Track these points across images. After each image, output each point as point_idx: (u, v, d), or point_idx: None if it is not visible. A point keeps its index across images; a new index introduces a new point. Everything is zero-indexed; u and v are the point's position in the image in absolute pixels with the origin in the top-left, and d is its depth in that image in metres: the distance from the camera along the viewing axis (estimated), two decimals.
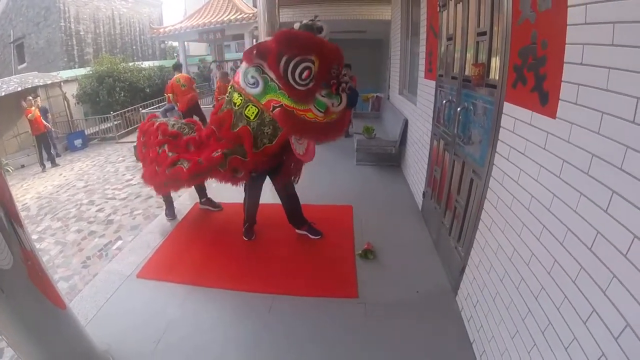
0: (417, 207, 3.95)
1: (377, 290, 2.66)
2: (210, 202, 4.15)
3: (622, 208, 1.04)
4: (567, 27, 1.29)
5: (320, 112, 2.62)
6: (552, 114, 1.40)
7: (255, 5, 8.60)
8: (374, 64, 10.52)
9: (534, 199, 1.55)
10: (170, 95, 7.56)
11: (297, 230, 3.47)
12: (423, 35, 3.85)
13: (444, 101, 2.91)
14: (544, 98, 1.46)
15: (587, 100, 1.21)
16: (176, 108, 8.74)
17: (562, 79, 1.34)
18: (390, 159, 5.38)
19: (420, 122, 4.06)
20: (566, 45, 1.31)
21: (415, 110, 4.34)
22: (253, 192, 3.36)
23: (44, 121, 9.47)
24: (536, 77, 1.52)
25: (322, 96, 2.61)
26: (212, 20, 12.54)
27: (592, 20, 1.18)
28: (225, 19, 12.32)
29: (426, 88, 3.73)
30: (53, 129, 10.47)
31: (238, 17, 12.14)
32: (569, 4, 1.28)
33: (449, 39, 2.85)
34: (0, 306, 1.60)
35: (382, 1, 7.26)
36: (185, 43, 14.65)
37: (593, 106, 1.18)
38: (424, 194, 3.71)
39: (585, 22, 1.21)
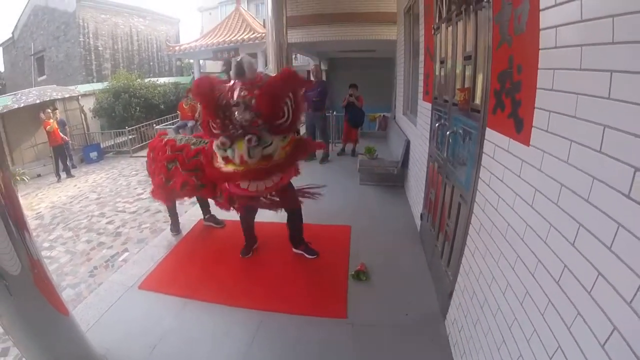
0: (416, 228, 3.89)
1: (366, 312, 2.63)
2: (213, 218, 4.20)
3: (588, 242, 1.00)
4: (540, 51, 1.27)
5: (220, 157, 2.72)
6: (527, 142, 1.37)
7: (265, 26, 8.79)
8: (384, 83, 10.57)
9: (509, 227, 1.49)
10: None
11: (294, 250, 3.47)
12: (422, 57, 3.86)
13: (437, 124, 2.88)
14: (519, 125, 1.43)
15: (558, 127, 1.17)
16: (189, 124, 8.95)
17: (535, 105, 1.31)
18: (393, 179, 5.33)
19: (419, 144, 4.03)
20: (538, 70, 1.28)
21: (415, 132, 4.32)
22: (243, 217, 3.43)
23: (61, 133, 9.71)
24: (512, 103, 1.49)
25: (215, 145, 2.71)
26: (227, 40, 12.83)
27: (562, 44, 1.15)
28: (239, 38, 12.61)
29: (424, 110, 3.71)
30: (70, 141, 10.71)
31: (251, 36, 12.42)
32: (540, 27, 1.25)
33: (442, 62, 2.84)
34: (8, 309, 1.77)
35: (390, 22, 7.34)
36: (201, 61, 15.00)
37: (563, 134, 1.14)
38: (421, 215, 3.65)
39: (555, 46, 1.18)
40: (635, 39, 0.83)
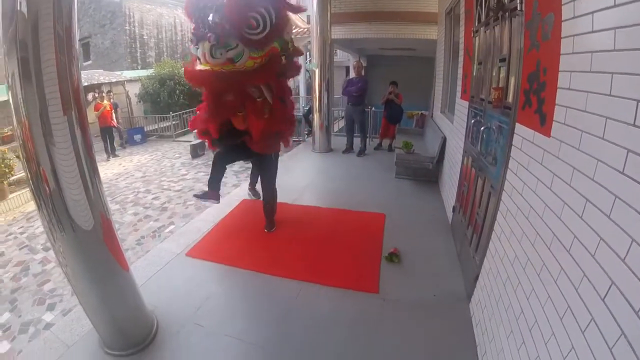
0: (448, 221, 4.07)
1: (396, 290, 2.86)
2: (253, 190, 4.56)
3: (594, 214, 1.21)
4: (561, 56, 1.48)
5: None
6: (548, 133, 1.58)
7: (309, 22, 9.10)
8: (423, 82, 10.63)
9: (531, 208, 1.71)
10: None
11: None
12: (461, 58, 4.03)
13: (473, 121, 3.07)
14: (543, 119, 1.64)
15: (572, 120, 1.39)
16: None
17: (556, 102, 1.52)
18: (427, 174, 5.50)
19: (455, 140, 4.21)
20: (559, 72, 1.49)
21: (452, 129, 4.49)
22: (216, 154, 3.67)
23: (113, 116, 10.32)
24: (538, 101, 1.70)
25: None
26: None
27: (577, 50, 1.36)
28: None
29: (461, 108, 3.89)
30: (119, 126, 11.15)
31: (294, 31, 12.76)
32: (562, 35, 1.47)
33: (479, 62, 3.02)
34: (77, 260, 2.00)
35: (430, 21, 7.45)
36: None
37: (576, 125, 1.36)
38: (453, 208, 3.84)
39: (572, 52, 1.39)
40: (632, 47, 1.05)
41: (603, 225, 1.14)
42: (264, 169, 3.81)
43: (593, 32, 1.23)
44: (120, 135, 11.28)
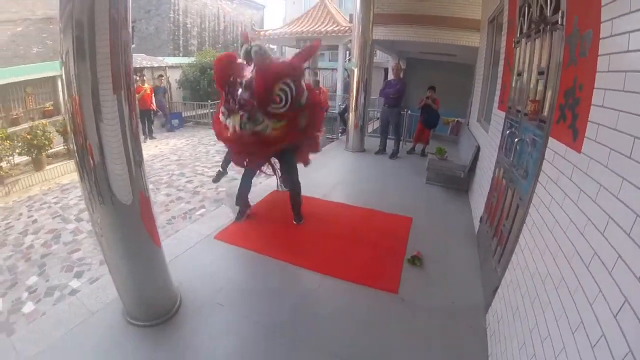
0: (474, 231, 4.03)
1: (416, 292, 2.90)
2: (284, 182, 4.64)
3: (615, 231, 1.22)
4: (597, 73, 1.49)
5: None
6: (579, 149, 1.59)
7: (351, 20, 9.15)
8: (461, 89, 10.45)
9: (556, 222, 1.71)
10: None
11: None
12: (501, 67, 3.98)
13: (508, 132, 3.05)
14: (575, 134, 1.65)
15: (603, 138, 1.40)
16: None
17: (589, 119, 1.52)
18: (458, 182, 5.44)
19: (488, 150, 4.16)
20: (594, 90, 1.50)
21: (486, 138, 4.44)
22: (242, 179, 4.01)
23: (160, 100, 10.76)
24: (572, 116, 1.70)
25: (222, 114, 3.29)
26: (310, 30, 13.48)
27: (612, 69, 1.37)
28: (322, 29, 13.16)
29: (497, 118, 3.85)
30: (158, 111, 11.34)
31: (335, 29, 12.87)
32: (599, 53, 1.47)
33: (519, 74, 2.99)
34: (112, 231, 2.16)
35: (472, 28, 7.34)
36: (282, 47, 15.89)
37: (606, 143, 1.37)
38: (481, 218, 3.81)
39: (608, 70, 1.40)
40: None
41: (622, 242, 1.16)
42: (283, 163, 3.99)
43: (628, 51, 1.24)
44: (166, 118, 11.67)
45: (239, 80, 3.21)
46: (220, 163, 5.00)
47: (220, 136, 3.59)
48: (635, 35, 1.21)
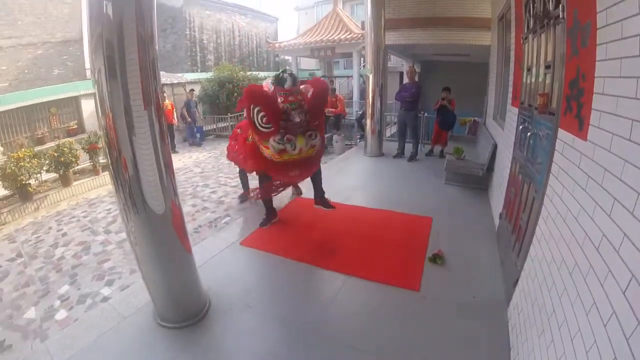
0: (494, 229, 4.02)
1: (437, 289, 2.95)
2: (322, 200, 4.54)
3: (620, 212, 1.26)
4: (596, 62, 1.53)
5: (275, 151, 3.45)
6: (585, 137, 1.62)
7: (363, 27, 9.25)
8: (476, 88, 10.37)
9: (568, 210, 1.75)
10: None
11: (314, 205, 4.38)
12: (512, 64, 4.00)
13: (521, 127, 3.07)
14: (581, 124, 1.69)
15: (605, 124, 1.44)
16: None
17: (592, 107, 1.57)
18: (477, 181, 5.43)
19: (504, 147, 4.16)
20: (595, 78, 1.54)
21: (503, 135, 4.44)
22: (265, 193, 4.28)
23: (185, 114, 11.36)
24: (578, 106, 1.74)
25: (275, 141, 3.40)
26: (324, 39, 13.64)
27: (610, 57, 1.42)
28: (335, 38, 13.31)
29: (511, 115, 3.86)
30: (179, 124, 11.78)
31: (347, 36, 13.01)
32: (597, 42, 1.52)
33: (528, 69, 3.02)
34: (146, 239, 2.30)
35: (485, 27, 7.32)
36: (297, 57, 16.13)
37: (607, 128, 1.41)
38: (500, 215, 3.80)
39: (605, 58, 1.45)
40: None
41: (626, 221, 1.20)
42: (317, 172, 4.32)
43: (622, 39, 1.29)
44: (193, 131, 12.05)
45: (282, 106, 3.41)
46: (241, 185, 5.48)
47: (258, 166, 3.90)
48: (627, 23, 1.26)
